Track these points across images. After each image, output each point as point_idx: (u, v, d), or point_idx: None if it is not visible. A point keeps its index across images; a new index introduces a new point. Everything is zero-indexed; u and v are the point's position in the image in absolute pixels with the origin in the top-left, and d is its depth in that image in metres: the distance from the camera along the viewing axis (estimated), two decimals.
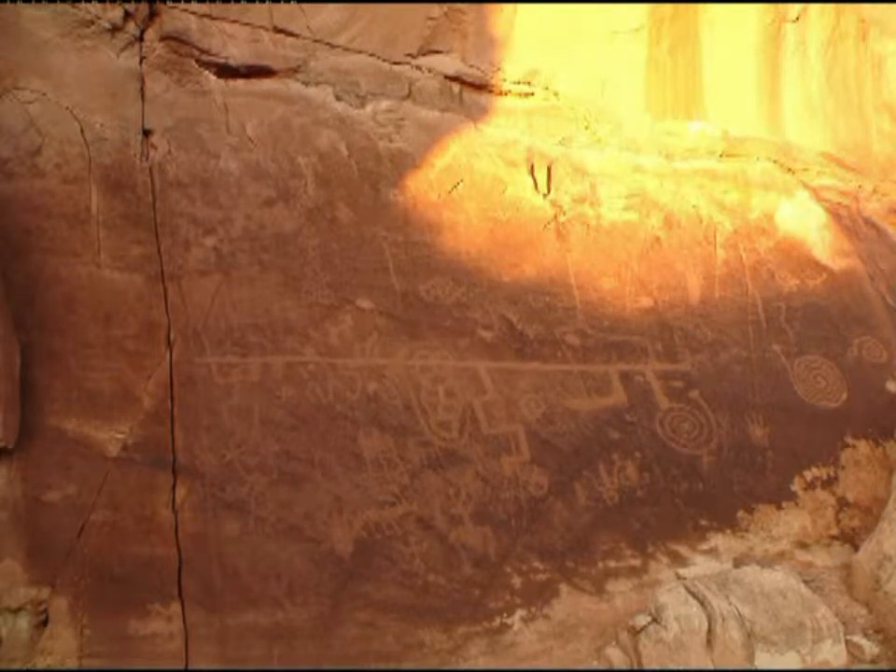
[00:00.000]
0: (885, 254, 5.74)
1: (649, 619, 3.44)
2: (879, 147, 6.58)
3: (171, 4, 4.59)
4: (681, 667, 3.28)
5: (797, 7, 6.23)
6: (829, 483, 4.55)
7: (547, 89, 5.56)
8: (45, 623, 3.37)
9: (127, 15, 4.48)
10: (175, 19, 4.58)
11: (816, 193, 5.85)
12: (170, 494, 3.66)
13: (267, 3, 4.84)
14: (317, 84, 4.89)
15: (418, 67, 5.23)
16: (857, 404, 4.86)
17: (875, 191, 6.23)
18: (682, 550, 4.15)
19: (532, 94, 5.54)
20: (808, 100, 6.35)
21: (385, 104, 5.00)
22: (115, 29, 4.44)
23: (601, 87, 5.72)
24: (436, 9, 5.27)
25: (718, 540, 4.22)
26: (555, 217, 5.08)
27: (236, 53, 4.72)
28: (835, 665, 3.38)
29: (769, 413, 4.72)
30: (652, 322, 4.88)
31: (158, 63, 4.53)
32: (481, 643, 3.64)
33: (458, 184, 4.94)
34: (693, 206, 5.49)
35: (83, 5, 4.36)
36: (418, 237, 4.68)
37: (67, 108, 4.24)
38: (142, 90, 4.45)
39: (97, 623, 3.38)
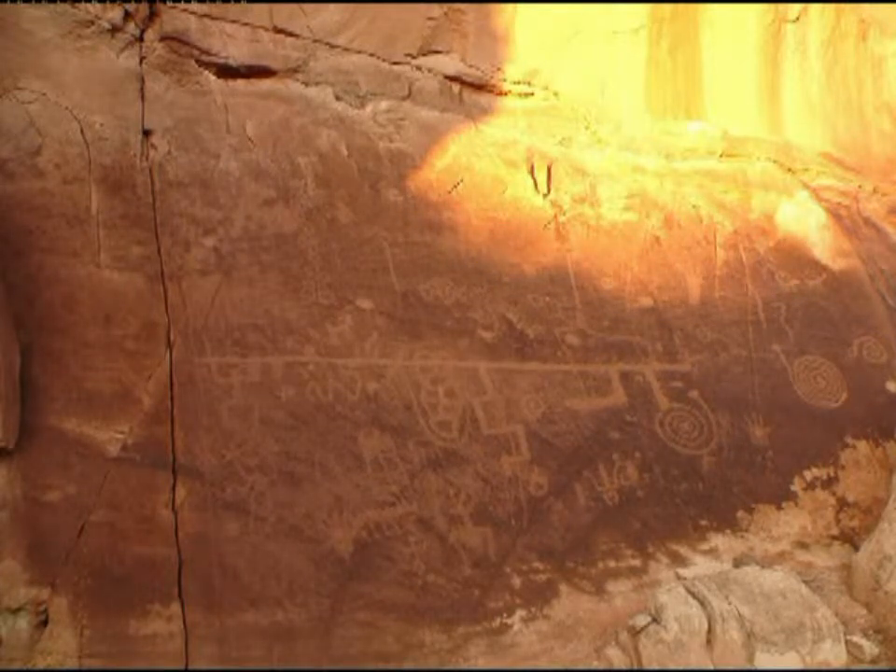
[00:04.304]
0: (885, 254, 5.75)
1: (649, 619, 3.44)
2: (879, 147, 6.57)
3: (171, 4, 4.58)
4: (681, 667, 3.28)
5: (797, 7, 6.23)
6: (829, 483, 4.55)
7: (547, 89, 5.56)
8: (45, 622, 3.37)
9: (127, 15, 4.48)
10: (174, 19, 4.58)
11: (816, 193, 5.85)
12: (170, 494, 3.66)
13: (267, 3, 4.84)
14: (317, 84, 4.89)
15: (418, 67, 5.23)
16: (857, 404, 4.86)
17: (875, 191, 6.23)
18: (682, 550, 4.15)
19: (532, 94, 5.53)
20: (808, 100, 6.35)
21: (384, 104, 5.00)
22: (115, 29, 4.44)
23: (601, 87, 5.72)
24: (436, 9, 5.27)
25: (718, 540, 4.22)
26: (555, 217, 5.08)
27: (236, 53, 4.71)
28: (835, 665, 3.38)
29: (769, 413, 4.72)
30: (652, 322, 4.88)
31: (158, 63, 4.53)
32: (481, 643, 3.64)
33: (458, 184, 4.93)
34: (693, 206, 5.49)
35: (83, 5, 4.36)
36: (418, 237, 4.68)
37: (67, 108, 4.24)
38: (142, 90, 4.45)
39: (97, 623, 3.38)
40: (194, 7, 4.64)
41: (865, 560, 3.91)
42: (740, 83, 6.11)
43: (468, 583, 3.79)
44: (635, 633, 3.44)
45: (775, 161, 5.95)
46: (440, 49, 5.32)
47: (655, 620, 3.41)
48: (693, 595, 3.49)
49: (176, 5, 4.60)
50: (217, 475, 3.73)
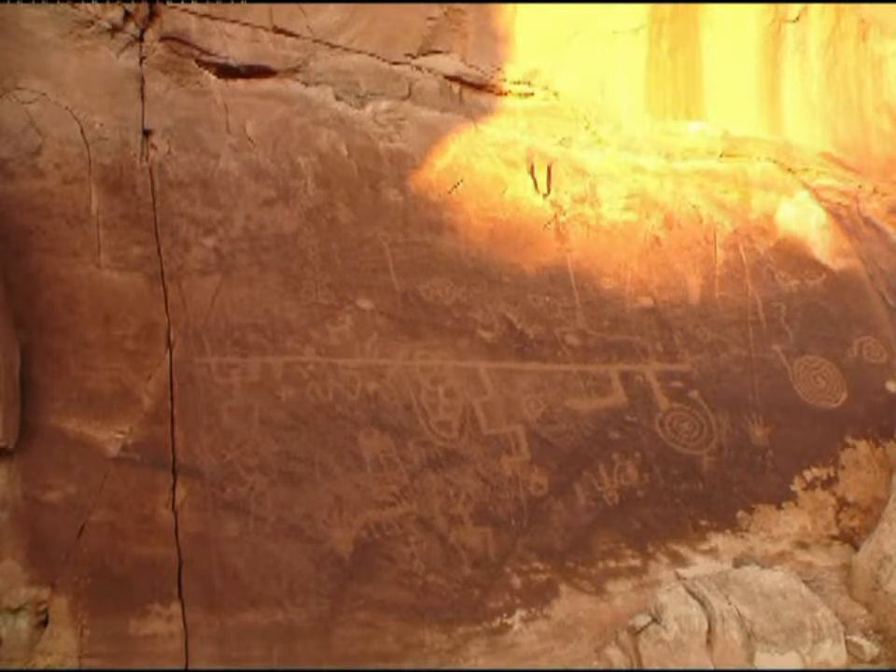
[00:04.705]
0: (885, 254, 5.74)
1: (649, 619, 3.43)
2: (879, 147, 6.57)
3: (171, 4, 4.58)
4: (681, 667, 3.28)
5: (797, 7, 6.23)
6: (829, 483, 4.55)
7: (547, 89, 5.56)
8: (45, 623, 3.37)
9: (127, 15, 4.48)
10: (174, 19, 4.58)
11: (816, 193, 5.85)
12: (170, 494, 3.66)
13: (267, 3, 4.84)
14: (317, 84, 4.89)
15: (418, 67, 5.23)
16: (857, 404, 4.86)
17: (875, 191, 6.23)
18: (682, 550, 4.14)
19: (532, 94, 5.53)
20: (808, 100, 6.35)
21: (384, 104, 5.00)
22: (115, 29, 4.44)
23: (601, 87, 5.72)
24: (436, 9, 5.27)
25: (718, 540, 4.22)
26: (555, 217, 5.08)
27: (236, 53, 4.72)
28: (835, 665, 3.38)
29: (769, 413, 4.72)
30: (652, 322, 4.88)
31: (158, 63, 4.53)
32: (481, 643, 3.64)
33: (458, 184, 4.94)
34: (693, 206, 5.49)
35: (83, 5, 4.36)
36: (418, 237, 4.68)
37: (67, 108, 4.24)
38: (142, 90, 4.45)
39: (97, 623, 3.38)
40: (194, 6, 4.64)
41: (865, 560, 3.91)
42: (740, 83, 6.11)
43: (468, 583, 3.79)
44: (635, 633, 3.44)
45: (775, 161, 5.95)
46: (440, 48, 5.32)
47: (655, 620, 3.41)
48: (693, 595, 3.49)
49: (176, 5, 4.60)
50: (217, 475, 3.73)
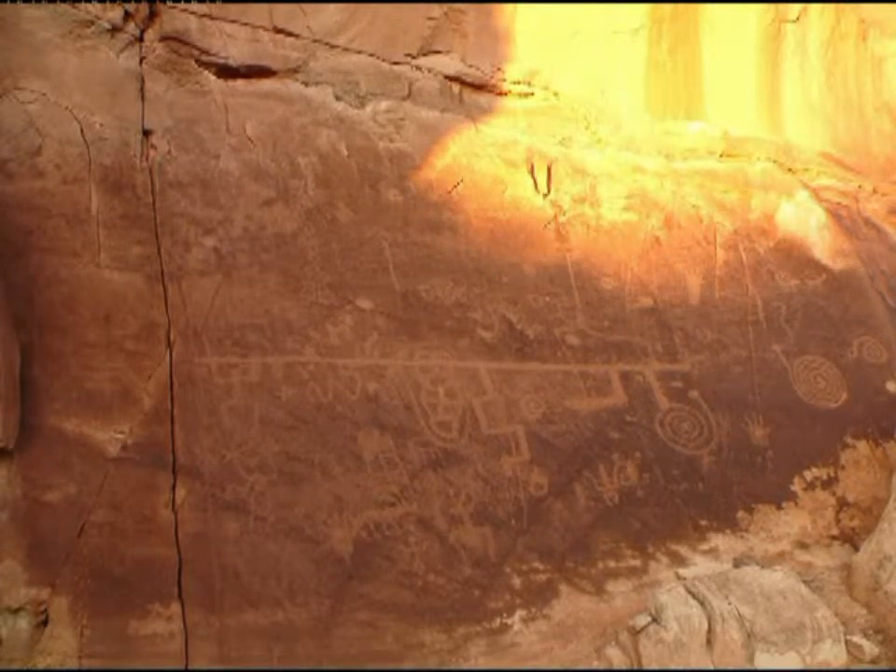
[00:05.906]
0: (885, 254, 5.75)
1: (649, 619, 3.44)
2: (879, 147, 6.58)
3: (171, 4, 4.58)
4: (681, 667, 3.28)
5: (797, 7, 6.23)
6: (829, 483, 4.55)
7: (547, 89, 5.56)
8: (45, 623, 3.37)
9: (127, 15, 4.48)
10: (174, 19, 4.58)
11: (816, 193, 5.85)
12: (170, 494, 3.66)
13: (267, 3, 4.84)
14: (317, 84, 4.89)
15: (418, 67, 5.23)
16: (857, 404, 4.86)
17: (875, 191, 6.24)
18: (682, 550, 4.15)
19: (532, 94, 5.53)
20: (808, 100, 6.35)
21: (384, 104, 5.00)
22: (115, 29, 4.43)
23: (601, 87, 5.72)
24: (436, 9, 5.27)
25: (718, 540, 4.22)
26: (555, 217, 5.08)
27: (236, 53, 4.71)
28: (835, 666, 3.38)
29: (769, 413, 4.72)
30: (652, 322, 4.88)
31: (158, 63, 4.53)
32: (481, 643, 3.65)
33: (458, 184, 4.93)
34: (693, 206, 5.49)
35: (83, 5, 4.36)
36: (418, 237, 4.68)
37: (67, 108, 4.24)
38: (142, 90, 4.44)
39: (97, 623, 3.39)
40: (194, 6, 4.63)
41: (865, 560, 3.91)
42: (740, 83, 6.12)
43: (468, 583, 3.79)
44: (635, 633, 3.44)
45: (775, 161, 5.96)
46: (440, 49, 5.32)
47: (655, 620, 3.41)
48: (693, 595, 3.49)
49: (176, 5, 4.59)
50: (217, 475, 3.74)
